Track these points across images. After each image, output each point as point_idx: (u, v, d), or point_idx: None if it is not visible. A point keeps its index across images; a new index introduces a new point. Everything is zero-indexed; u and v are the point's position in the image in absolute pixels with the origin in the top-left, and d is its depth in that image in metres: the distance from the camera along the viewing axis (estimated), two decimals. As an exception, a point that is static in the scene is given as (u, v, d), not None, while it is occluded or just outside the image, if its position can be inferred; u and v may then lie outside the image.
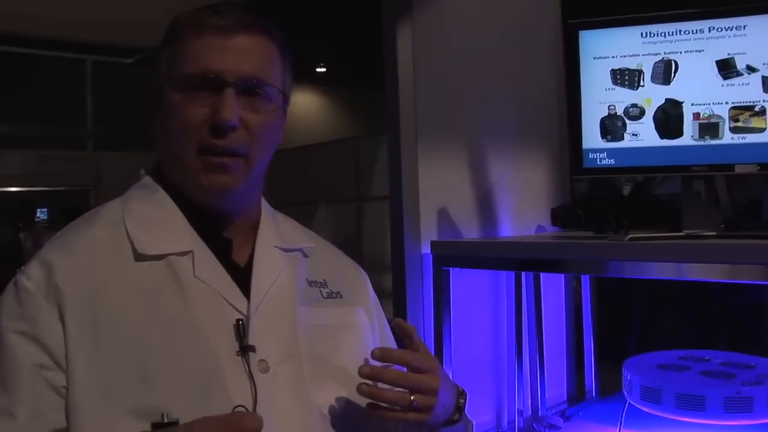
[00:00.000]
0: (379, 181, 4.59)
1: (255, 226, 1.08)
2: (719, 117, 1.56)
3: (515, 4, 2.15)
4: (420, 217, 1.83)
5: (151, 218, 1.01)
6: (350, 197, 4.87)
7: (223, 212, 1.04)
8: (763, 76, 1.52)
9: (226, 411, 0.91)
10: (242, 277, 1.01)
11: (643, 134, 1.62)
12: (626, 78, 1.63)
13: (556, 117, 2.25)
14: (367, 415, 1.01)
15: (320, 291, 1.10)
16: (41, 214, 8.43)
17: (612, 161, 1.66)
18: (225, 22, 0.99)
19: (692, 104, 1.58)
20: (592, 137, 1.67)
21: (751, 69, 1.53)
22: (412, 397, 0.98)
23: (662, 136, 1.61)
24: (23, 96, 8.47)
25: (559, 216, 1.96)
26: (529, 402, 2.05)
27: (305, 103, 11.12)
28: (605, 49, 1.65)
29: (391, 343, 1.23)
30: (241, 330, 0.96)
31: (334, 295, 1.12)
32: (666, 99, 1.60)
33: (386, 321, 1.23)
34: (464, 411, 1.09)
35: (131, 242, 0.98)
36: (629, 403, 1.77)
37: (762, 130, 1.53)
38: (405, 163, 1.81)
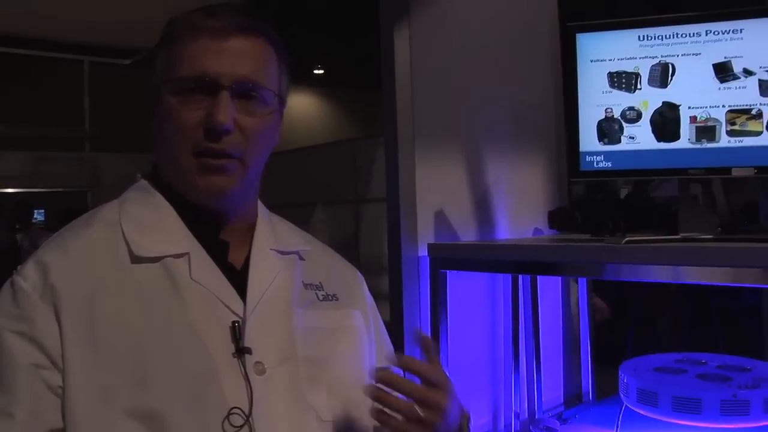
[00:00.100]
0: (376, 182, 4.60)
1: (251, 229, 1.08)
2: (716, 120, 1.56)
3: (513, 7, 2.15)
4: (417, 220, 1.83)
5: (148, 220, 1.01)
6: (348, 199, 4.88)
7: (220, 214, 1.04)
8: (759, 80, 1.52)
9: (222, 413, 0.91)
10: (238, 279, 1.01)
11: (640, 137, 1.62)
12: (623, 81, 1.63)
13: (554, 119, 2.25)
14: (363, 418, 1.01)
15: (316, 294, 1.10)
16: (38, 215, 8.43)
17: (609, 164, 1.66)
18: (220, 25, 0.98)
19: (689, 107, 1.58)
20: (589, 140, 1.67)
21: (747, 72, 1.53)
22: (419, 410, 0.96)
23: (659, 139, 1.61)
24: (21, 97, 8.46)
25: (556, 219, 1.96)
26: (526, 404, 2.05)
27: (303, 104, 11.12)
28: (602, 52, 1.65)
29: (387, 344, 1.23)
30: (236, 332, 0.96)
31: (330, 298, 1.12)
32: (663, 102, 1.60)
33: (382, 323, 1.23)
34: None
35: (127, 244, 0.98)
36: (626, 405, 1.77)
37: (759, 133, 1.53)
38: (402, 165, 1.81)
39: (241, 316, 0.97)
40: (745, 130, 1.54)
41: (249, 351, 0.95)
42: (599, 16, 1.69)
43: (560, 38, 2.17)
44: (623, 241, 1.50)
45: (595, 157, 1.67)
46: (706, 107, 1.57)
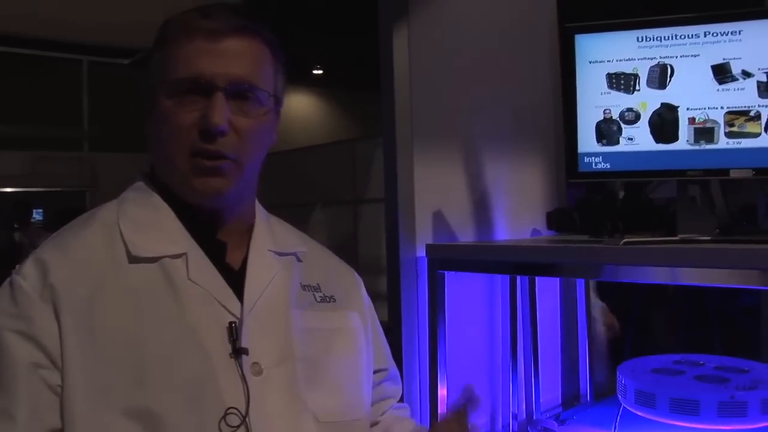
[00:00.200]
0: (375, 183, 4.61)
1: (249, 230, 1.09)
2: (714, 122, 1.56)
3: (512, 7, 2.15)
4: (415, 220, 1.83)
5: (146, 221, 1.02)
6: (346, 199, 4.89)
7: (217, 214, 1.04)
8: (758, 81, 1.52)
9: (219, 413, 0.91)
10: (236, 280, 1.01)
11: (639, 138, 1.62)
12: (622, 82, 1.63)
13: (552, 120, 2.25)
14: (360, 419, 1.01)
15: (314, 295, 1.10)
16: (36, 215, 8.43)
17: (607, 165, 1.66)
18: (214, 26, 0.98)
19: (687, 109, 1.58)
20: (587, 141, 1.67)
21: (746, 74, 1.53)
22: None
23: (657, 140, 1.61)
24: (20, 96, 8.45)
25: (554, 220, 1.96)
26: (524, 406, 2.05)
27: (302, 105, 11.13)
28: (601, 53, 1.65)
29: (383, 346, 1.23)
30: (234, 332, 0.96)
31: (328, 300, 1.12)
32: (661, 103, 1.60)
33: (379, 324, 1.23)
34: None
35: (125, 244, 0.98)
36: (623, 407, 1.77)
37: (757, 134, 1.53)
38: (400, 165, 1.81)
39: (239, 316, 0.98)
40: (743, 132, 1.54)
41: (246, 352, 0.96)
42: (598, 17, 1.69)
43: (559, 39, 2.17)
44: (621, 243, 1.50)
45: (593, 158, 1.67)
46: (705, 109, 1.57)
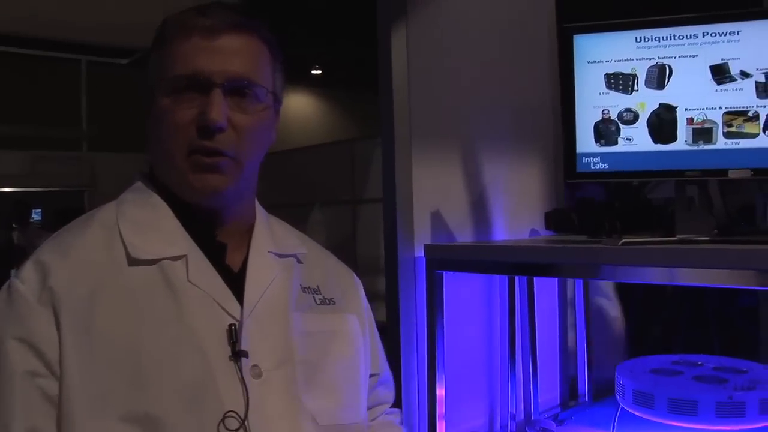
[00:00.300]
0: (374, 183, 4.60)
1: (249, 231, 1.08)
2: (713, 122, 1.56)
3: (511, 7, 2.15)
4: (413, 220, 1.83)
5: (145, 222, 1.01)
6: (345, 199, 4.89)
7: (216, 213, 1.04)
8: (756, 82, 1.52)
9: (218, 416, 0.91)
10: (236, 282, 1.01)
11: (637, 139, 1.62)
12: (620, 82, 1.63)
13: (551, 121, 2.25)
14: (359, 422, 1.01)
15: (314, 297, 1.10)
16: (35, 215, 8.42)
17: (606, 166, 1.66)
18: (211, 23, 0.98)
19: (686, 109, 1.58)
20: (585, 141, 1.67)
21: (744, 74, 1.53)
22: None
23: (656, 140, 1.61)
24: (18, 96, 8.44)
25: (552, 220, 1.96)
26: (522, 406, 2.04)
27: (300, 105, 11.12)
28: (599, 54, 1.65)
29: (379, 349, 1.23)
30: (233, 335, 0.96)
31: (327, 302, 1.11)
32: (660, 104, 1.60)
33: (376, 327, 1.23)
34: None
35: (125, 246, 0.97)
36: (622, 407, 1.77)
37: (755, 135, 1.53)
38: (399, 165, 1.80)
39: (238, 319, 0.97)
40: (741, 132, 1.54)
41: (245, 354, 0.95)
42: (597, 18, 1.69)
43: (557, 39, 2.17)
44: (620, 243, 1.50)
45: (591, 158, 1.67)
46: (703, 109, 1.57)
